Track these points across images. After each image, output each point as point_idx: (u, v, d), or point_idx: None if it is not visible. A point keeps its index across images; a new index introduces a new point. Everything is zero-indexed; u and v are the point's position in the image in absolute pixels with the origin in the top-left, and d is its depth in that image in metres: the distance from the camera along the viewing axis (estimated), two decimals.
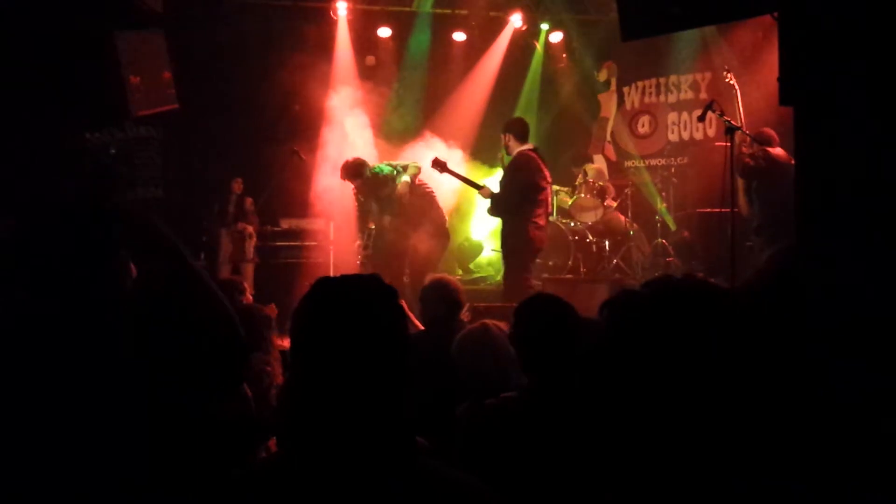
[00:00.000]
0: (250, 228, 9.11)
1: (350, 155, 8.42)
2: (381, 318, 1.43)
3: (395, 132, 10.34)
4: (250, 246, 9.08)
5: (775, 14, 2.87)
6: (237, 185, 9.20)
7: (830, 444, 1.42)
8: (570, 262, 9.17)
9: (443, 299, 4.13)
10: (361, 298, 1.44)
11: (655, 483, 1.02)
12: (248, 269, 8.87)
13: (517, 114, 10.78)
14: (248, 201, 9.21)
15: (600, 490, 1.07)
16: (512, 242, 6.98)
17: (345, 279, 1.50)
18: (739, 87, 7.11)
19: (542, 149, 7.30)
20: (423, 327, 4.48)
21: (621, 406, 1.04)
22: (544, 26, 10.93)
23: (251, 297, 5.09)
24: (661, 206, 9.94)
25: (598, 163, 10.99)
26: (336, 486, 1.33)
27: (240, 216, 9.18)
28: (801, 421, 1.38)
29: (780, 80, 2.58)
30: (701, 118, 7.24)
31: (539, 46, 11.20)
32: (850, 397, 1.53)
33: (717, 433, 1.01)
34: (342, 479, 1.34)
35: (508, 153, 7.04)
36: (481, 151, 10.26)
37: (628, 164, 11.06)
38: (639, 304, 1.12)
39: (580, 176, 9.79)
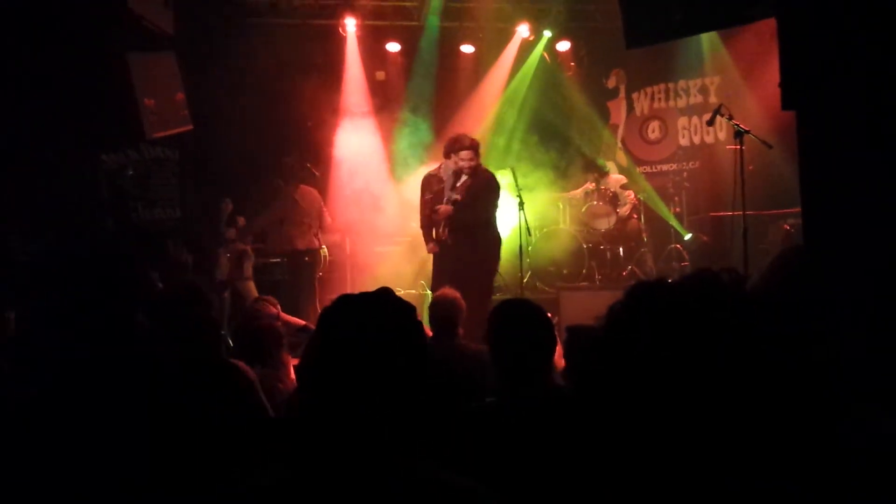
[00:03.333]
0: (248, 248, 9.06)
1: (362, 170, 8.57)
2: (398, 334, 1.47)
3: (406, 145, 10.42)
4: (249, 265, 8.98)
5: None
6: (227, 206, 9.12)
7: (828, 445, 1.45)
8: (584, 271, 9.18)
9: (433, 315, 4.36)
10: (380, 315, 1.49)
11: (652, 481, 1.06)
12: (247, 287, 8.82)
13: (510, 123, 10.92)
14: (241, 220, 9.07)
15: (591, 491, 1.11)
16: None
17: (364, 296, 1.54)
18: (741, 93, 7.10)
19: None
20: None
21: (625, 395, 1.08)
22: (547, 33, 10.98)
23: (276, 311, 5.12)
24: (667, 212, 9.94)
25: (611, 170, 11.01)
26: (343, 491, 1.38)
27: (235, 236, 9.04)
28: (800, 421, 1.40)
29: (781, 85, 2.62)
30: (710, 122, 7.28)
31: (543, 54, 11.24)
32: (852, 398, 1.55)
33: (716, 431, 1.04)
34: (350, 485, 1.38)
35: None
36: (492, 161, 10.31)
37: (640, 170, 11.07)
38: (659, 293, 1.14)
39: (593, 184, 9.83)
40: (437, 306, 4.38)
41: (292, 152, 9.69)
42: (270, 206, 9.08)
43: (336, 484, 1.39)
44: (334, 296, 1.60)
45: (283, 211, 8.95)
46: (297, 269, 8.94)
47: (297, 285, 8.88)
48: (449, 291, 4.50)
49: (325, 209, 9.15)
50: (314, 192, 9.18)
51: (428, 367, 1.49)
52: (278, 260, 9.35)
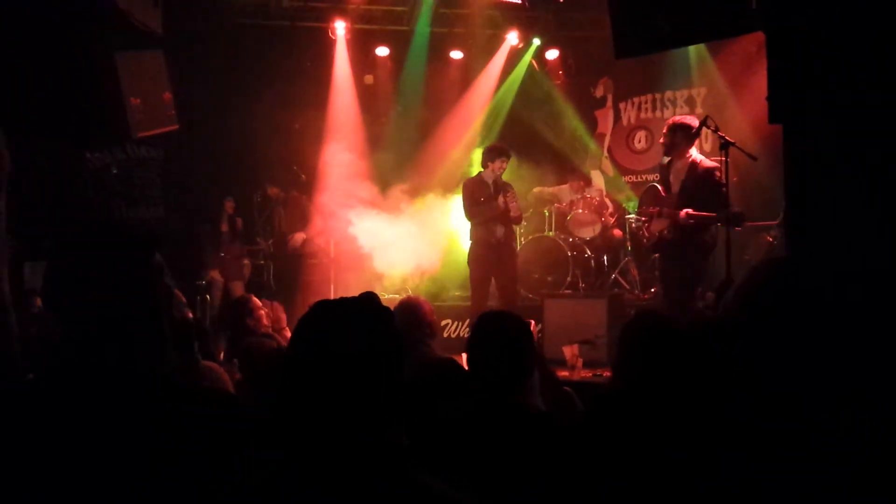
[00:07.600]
0: (244, 248, 9.37)
1: (349, 174, 8.67)
2: (375, 340, 1.48)
3: (393, 149, 10.41)
4: (243, 265, 9.24)
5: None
6: (229, 206, 9.28)
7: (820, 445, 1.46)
8: (568, 278, 9.19)
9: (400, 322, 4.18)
10: (358, 321, 1.49)
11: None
12: (239, 288, 8.94)
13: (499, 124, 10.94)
14: (239, 221, 9.33)
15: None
16: None
17: (343, 302, 1.55)
18: (727, 105, 7.14)
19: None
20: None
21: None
22: (536, 41, 11.02)
23: (263, 314, 5.07)
24: None
25: (596, 179, 11.05)
26: (326, 493, 1.39)
27: (234, 236, 9.26)
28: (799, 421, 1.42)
29: (768, 98, 2.63)
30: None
31: (532, 62, 11.28)
32: (841, 401, 1.56)
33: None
34: (332, 488, 1.39)
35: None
36: (477, 167, 10.32)
37: (626, 179, 11.11)
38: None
39: (577, 186, 9.89)
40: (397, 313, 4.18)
41: (280, 155, 9.72)
42: (262, 211, 9.29)
43: (318, 485, 1.39)
44: (317, 299, 1.60)
45: (274, 216, 9.27)
46: (283, 273, 9.11)
47: (283, 288, 8.99)
48: (411, 298, 4.34)
49: (312, 214, 9.30)
50: (302, 197, 9.43)
51: (399, 373, 1.51)
52: (265, 263, 9.46)
